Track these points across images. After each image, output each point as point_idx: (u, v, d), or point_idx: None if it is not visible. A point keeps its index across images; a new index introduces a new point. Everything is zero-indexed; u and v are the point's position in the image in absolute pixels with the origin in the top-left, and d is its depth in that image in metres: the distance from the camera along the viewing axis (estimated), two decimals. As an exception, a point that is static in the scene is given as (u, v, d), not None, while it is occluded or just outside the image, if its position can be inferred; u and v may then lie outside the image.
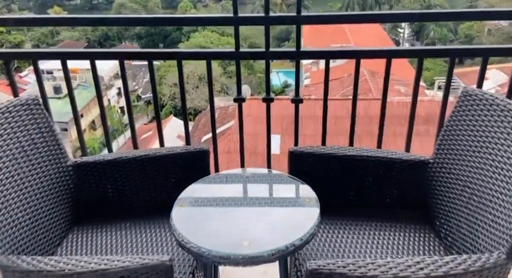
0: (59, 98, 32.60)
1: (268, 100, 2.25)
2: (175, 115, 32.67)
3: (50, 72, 39.86)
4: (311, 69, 33.29)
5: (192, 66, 37.20)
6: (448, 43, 53.58)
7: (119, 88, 41.97)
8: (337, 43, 31.62)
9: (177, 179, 1.84)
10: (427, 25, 54.35)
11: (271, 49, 2.11)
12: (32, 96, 1.65)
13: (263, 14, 2.03)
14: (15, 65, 43.47)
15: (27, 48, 54.70)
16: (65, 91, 30.15)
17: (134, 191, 1.84)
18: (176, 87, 35.09)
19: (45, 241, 1.60)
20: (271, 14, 2.04)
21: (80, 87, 35.25)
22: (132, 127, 2.36)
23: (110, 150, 2.38)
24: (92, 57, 2.13)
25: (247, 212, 1.49)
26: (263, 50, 2.10)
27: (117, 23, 2.08)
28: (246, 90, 24.43)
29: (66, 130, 29.41)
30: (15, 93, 2.20)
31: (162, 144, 2.35)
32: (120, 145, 33.69)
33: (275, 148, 16.08)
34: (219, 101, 33.86)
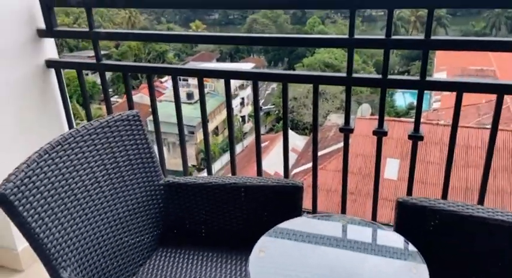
0: (190, 104, 35.75)
1: (379, 134, 1.96)
2: (291, 129, 33.07)
3: (185, 79, 44.04)
4: (442, 92, 30.60)
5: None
6: None
7: (243, 98, 44.27)
8: (476, 64, 28.56)
9: (265, 213, 1.68)
10: None
11: (390, 76, 1.84)
12: (133, 111, 1.66)
13: (383, 36, 1.77)
14: (158, 72, 49.08)
15: (170, 56, 61.14)
16: (196, 97, 32.72)
17: (220, 219, 1.74)
18: (296, 101, 35.61)
19: (128, 261, 1.58)
20: (394, 36, 1.77)
21: (209, 94, 38.14)
22: (232, 152, 2.29)
23: (210, 172, 2.34)
24: (201, 75, 2.12)
25: (336, 273, 1.25)
26: (379, 76, 1.83)
27: (235, 41, 2.03)
28: (366, 109, 23.48)
29: (192, 133, 31.97)
30: (130, 105, 2.30)
31: (259, 172, 2.22)
32: (238, 153, 35.34)
33: (393, 174, 14.92)
34: (337, 118, 33.26)
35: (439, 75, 34.02)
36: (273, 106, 43.96)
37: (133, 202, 1.66)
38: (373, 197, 2.12)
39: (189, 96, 36.16)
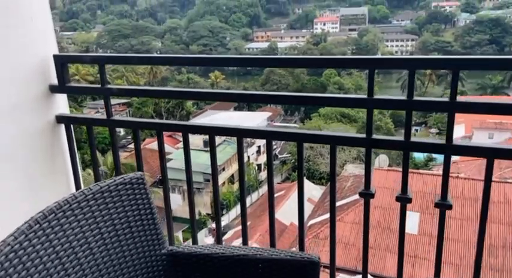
0: (207, 151, 36.03)
1: (403, 201, 1.80)
2: (307, 178, 32.57)
3: (202, 127, 44.78)
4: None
5: (330, 129, 37.31)
6: None
7: (259, 147, 44.41)
8: (495, 117, 28.26)
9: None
10: None
11: (413, 139, 1.71)
12: (137, 174, 1.56)
13: (404, 97, 1.68)
14: (178, 117, 50.12)
15: (189, 104, 62.59)
16: None
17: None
18: (312, 149, 35.41)
19: None
20: (417, 97, 1.66)
21: (225, 142, 38.45)
22: (244, 221, 2.15)
23: (219, 241, 2.18)
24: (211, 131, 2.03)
25: None
26: (401, 139, 1.71)
27: (254, 99, 1.96)
28: (384, 160, 23.12)
29: (208, 181, 31.88)
30: (139, 164, 2.21)
31: (273, 243, 2.05)
32: (253, 201, 34.88)
33: (413, 228, 14.30)
34: (354, 168, 32.78)
35: (456, 127, 33.72)
36: (289, 155, 43.86)
37: (132, 274, 1.51)
38: (397, 265, 1.91)
39: (206, 143, 36.56)
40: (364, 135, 1.79)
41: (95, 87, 2.16)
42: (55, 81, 2.21)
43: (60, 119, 2.28)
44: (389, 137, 1.78)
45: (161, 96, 2.28)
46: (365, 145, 1.79)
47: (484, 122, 28.51)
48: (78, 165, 2.36)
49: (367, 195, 1.87)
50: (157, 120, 2.38)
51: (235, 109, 62.07)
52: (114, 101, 55.80)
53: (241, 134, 2.01)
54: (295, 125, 54.49)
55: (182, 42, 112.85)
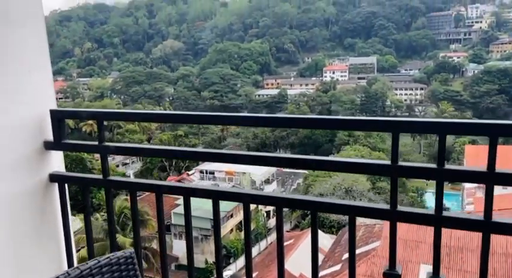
0: (215, 197, 35.47)
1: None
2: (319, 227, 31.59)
3: (211, 173, 44.53)
4: (475, 194, 29.31)
5: (340, 178, 36.81)
6: None
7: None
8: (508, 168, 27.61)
9: None
10: None
11: (446, 213, 1.50)
12: (127, 252, 1.34)
13: (434, 164, 1.48)
14: (186, 164, 50.03)
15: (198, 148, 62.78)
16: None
17: None
18: (322, 197, 34.72)
19: None
20: (449, 165, 1.47)
21: (234, 189, 38.07)
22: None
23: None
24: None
25: None
26: (431, 212, 1.50)
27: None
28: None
29: (214, 227, 31.15)
30: (136, 228, 1.99)
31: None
32: (262, 249, 33.79)
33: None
34: (364, 218, 31.83)
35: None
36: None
37: None
38: None
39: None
40: (388, 207, 1.57)
41: (92, 144, 2.01)
42: (50, 137, 2.07)
43: (53, 178, 2.11)
44: (417, 209, 1.56)
45: (164, 155, 2.09)
46: (390, 218, 1.57)
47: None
48: (71, 229, 2.16)
49: (392, 275, 1.61)
50: (156, 182, 2.18)
51: (245, 154, 62.09)
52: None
53: (248, 200, 1.80)
54: (304, 171, 54.07)
55: (194, 88, 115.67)
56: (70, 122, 74.00)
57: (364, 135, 56.48)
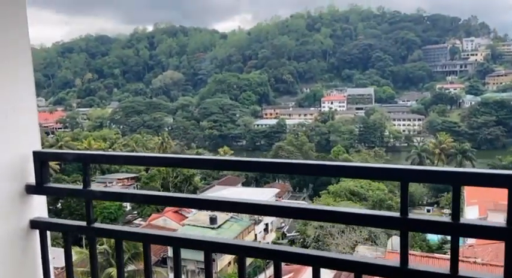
0: (213, 228, 34.82)
1: None
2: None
3: (209, 203, 43.98)
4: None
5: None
6: None
7: (266, 224, 43.05)
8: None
9: None
10: None
11: (462, 272, 1.34)
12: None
13: (448, 218, 1.34)
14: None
15: (197, 179, 62.22)
16: (219, 221, 31.70)
17: None
18: (321, 229, 34.08)
19: None
20: (464, 219, 1.32)
21: (233, 219, 37.38)
22: None
23: None
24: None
25: None
26: (447, 272, 1.35)
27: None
28: (398, 243, 21.96)
29: (213, 260, 30.48)
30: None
31: None
32: (260, 283, 32.75)
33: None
34: (365, 250, 31.11)
35: (470, 209, 32.55)
36: (297, 233, 42.26)
37: None
38: None
39: (213, 220, 35.49)
40: (397, 264, 1.41)
41: (76, 188, 1.86)
42: (33, 181, 1.92)
43: (34, 224, 1.95)
44: (431, 268, 1.40)
45: (149, 201, 1.92)
46: (399, 276, 1.41)
47: (498, 204, 27.58)
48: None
49: None
50: (143, 230, 1.97)
51: (243, 184, 61.52)
52: (122, 175, 55.89)
53: (243, 252, 1.64)
54: (303, 202, 53.36)
55: (193, 118, 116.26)
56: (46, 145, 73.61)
57: (363, 166, 56.13)
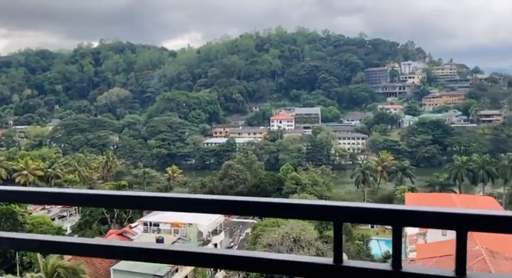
0: (159, 250, 33.53)
1: None
2: (266, 281, 30.64)
3: (156, 225, 42.48)
4: (416, 241, 30.16)
5: (288, 226, 36.54)
6: None
7: (215, 245, 42.30)
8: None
9: None
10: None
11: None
12: None
13: (388, 266, 1.26)
14: (129, 216, 47.43)
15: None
16: (167, 242, 30.49)
17: None
18: (270, 247, 34.03)
19: None
20: (406, 267, 1.23)
21: (180, 241, 36.33)
22: None
23: None
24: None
25: None
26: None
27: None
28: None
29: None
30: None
31: None
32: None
33: None
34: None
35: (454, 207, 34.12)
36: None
37: None
38: None
39: (159, 242, 34.29)
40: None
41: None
42: None
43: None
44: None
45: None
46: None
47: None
48: None
49: None
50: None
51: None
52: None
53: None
54: (253, 221, 53.19)
55: (140, 136, 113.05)
56: (3, 172, 68.68)
57: (311, 183, 57.27)
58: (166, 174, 72.96)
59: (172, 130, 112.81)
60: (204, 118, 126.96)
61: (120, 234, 37.14)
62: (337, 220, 1.29)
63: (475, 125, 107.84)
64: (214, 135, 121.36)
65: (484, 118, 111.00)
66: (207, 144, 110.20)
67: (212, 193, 67.30)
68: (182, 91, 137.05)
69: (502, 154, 76.46)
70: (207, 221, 38.72)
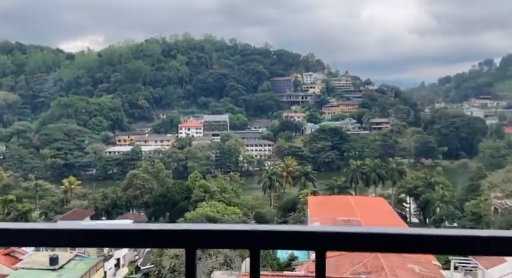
0: (53, 270, 30.47)
1: None
2: (172, 293, 29.64)
3: (50, 241, 38.62)
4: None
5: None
6: (456, 220, 52.48)
7: (118, 259, 39.81)
8: (343, 215, 31.02)
9: None
10: (432, 201, 54.50)
11: None
12: None
13: None
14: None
15: (34, 215, 54.38)
16: (62, 262, 27.66)
17: None
18: (178, 258, 33.04)
19: None
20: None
21: (78, 258, 33.41)
22: None
23: None
24: None
25: None
26: None
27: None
28: (248, 264, 22.57)
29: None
30: None
31: None
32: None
33: None
34: (221, 275, 31.14)
35: (313, 225, 35.92)
36: (152, 266, 40.10)
37: None
38: None
39: (53, 260, 31.08)
40: None
41: None
42: None
43: None
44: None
45: None
46: None
47: (335, 220, 30.83)
48: None
49: None
50: None
51: (92, 218, 56.11)
52: None
53: None
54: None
55: (32, 145, 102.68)
56: None
57: (220, 190, 57.26)
58: (62, 186, 67.10)
59: (70, 139, 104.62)
60: (106, 125, 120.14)
61: (6, 254, 33.04)
62: (252, 247, 1.15)
63: (368, 132, 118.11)
64: (118, 143, 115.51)
65: (375, 126, 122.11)
66: (110, 152, 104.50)
67: (115, 204, 63.52)
68: (81, 97, 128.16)
69: (391, 159, 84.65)
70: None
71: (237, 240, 1.16)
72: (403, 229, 1.14)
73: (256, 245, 1.14)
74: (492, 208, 47.90)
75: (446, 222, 53.44)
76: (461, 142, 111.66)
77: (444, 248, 1.12)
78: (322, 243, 1.13)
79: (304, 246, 1.17)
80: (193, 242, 1.15)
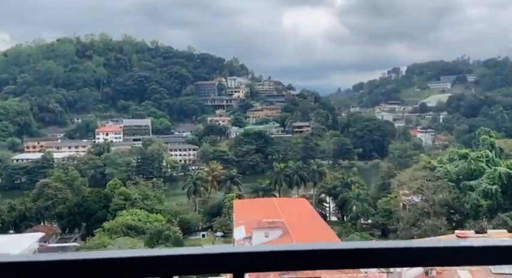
0: None
1: None
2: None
3: None
4: (243, 245, 31.67)
5: (116, 247, 33.84)
6: (370, 217, 55.74)
7: None
8: (268, 218, 31.24)
9: None
10: (349, 200, 57.42)
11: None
12: None
13: None
14: None
15: None
16: None
17: None
18: None
19: None
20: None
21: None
22: None
23: None
24: None
25: None
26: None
27: None
28: None
29: None
30: None
31: None
32: None
33: None
34: None
35: (238, 229, 35.60)
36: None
37: None
38: None
39: None
40: None
41: None
42: None
43: None
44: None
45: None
46: None
47: (260, 222, 30.89)
48: None
49: None
50: None
51: (-5, 233, 50.33)
52: None
53: None
54: (75, 244, 47.61)
55: None
56: None
57: (141, 198, 54.89)
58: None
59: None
60: (12, 131, 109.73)
61: None
62: (167, 270, 1.05)
63: (290, 135, 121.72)
64: (26, 150, 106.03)
65: (297, 129, 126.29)
66: (17, 160, 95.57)
67: (24, 216, 57.73)
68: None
69: (312, 160, 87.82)
70: (17, 248, 32.68)
71: (146, 267, 1.01)
72: (322, 244, 1.06)
73: (166, 273, 1.03)
74: (401, 204, 51.50)
75: (362, 219, 56.53)
76: (373, 143, 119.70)
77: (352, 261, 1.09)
78: (240, 265, 1.04)
79: (221, 269, 1.07)
80: (171, 269, 1.03)
